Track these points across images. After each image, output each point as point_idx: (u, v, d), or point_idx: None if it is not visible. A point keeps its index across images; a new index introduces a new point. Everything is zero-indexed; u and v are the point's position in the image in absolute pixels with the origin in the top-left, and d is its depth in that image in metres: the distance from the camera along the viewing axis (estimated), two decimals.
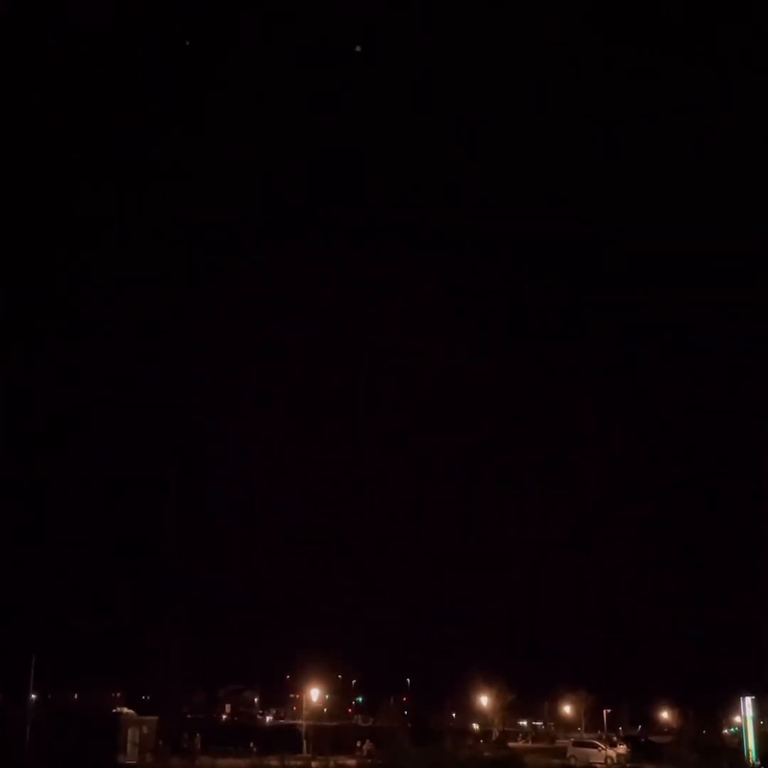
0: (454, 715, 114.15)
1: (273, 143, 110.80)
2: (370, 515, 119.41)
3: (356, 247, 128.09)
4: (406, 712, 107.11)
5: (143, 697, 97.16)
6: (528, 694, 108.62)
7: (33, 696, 65.47)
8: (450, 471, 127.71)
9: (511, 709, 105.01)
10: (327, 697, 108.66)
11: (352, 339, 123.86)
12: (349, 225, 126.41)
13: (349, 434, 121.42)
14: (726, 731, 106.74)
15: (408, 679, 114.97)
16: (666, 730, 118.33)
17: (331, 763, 56.56)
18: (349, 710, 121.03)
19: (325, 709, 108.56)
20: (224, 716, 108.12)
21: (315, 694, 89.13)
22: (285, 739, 73.01)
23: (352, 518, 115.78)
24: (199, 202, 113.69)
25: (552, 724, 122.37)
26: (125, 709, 67.25)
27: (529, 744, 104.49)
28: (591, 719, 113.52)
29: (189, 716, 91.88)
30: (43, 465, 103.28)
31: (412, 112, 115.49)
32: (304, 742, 68.97)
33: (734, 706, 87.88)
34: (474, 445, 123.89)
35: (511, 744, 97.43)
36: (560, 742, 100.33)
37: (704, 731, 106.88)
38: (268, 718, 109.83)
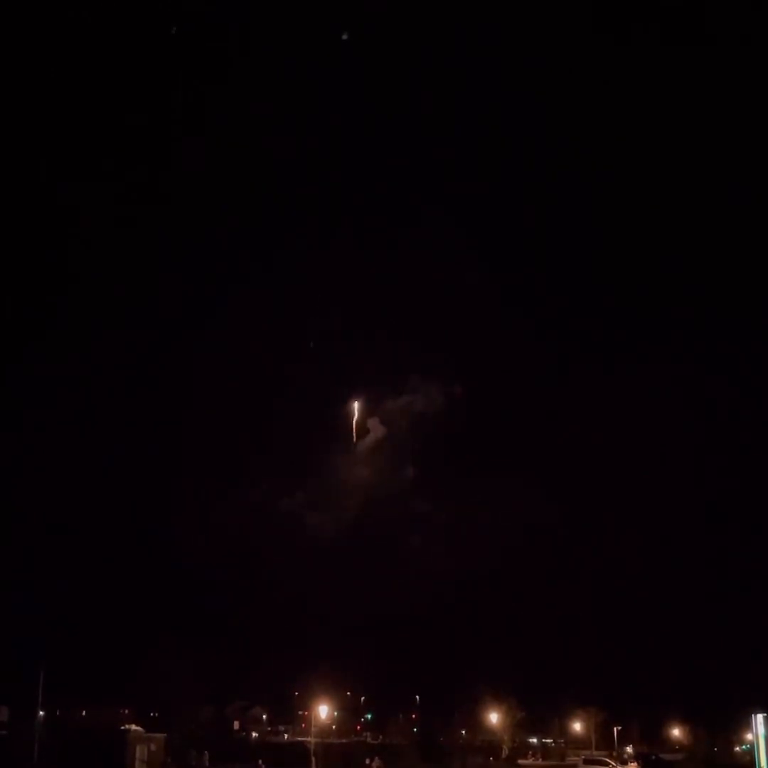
0: (463, 732, 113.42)
1: (273, 144, 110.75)
2: (379, 529, 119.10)
3: (355, 242, 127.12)
4: (415, 729, 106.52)
5: (151, 714, 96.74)
6: (538, 711, 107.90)
7: (41, 712, 65.39)
8: (459, 486, 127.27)
9: (521, 726, 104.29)
10: (335, 713, 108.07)
11: (349, 340, 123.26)
12: (348, 224, 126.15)
13: (353, 440, 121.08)
14: (737, 749, 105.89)
15: (417, 696, 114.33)
16: (677, 747, 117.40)
17: None
18: (358, 727, 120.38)
19: (333, 726, 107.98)
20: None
21: (323, 710, 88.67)
22: (293, 756, 72.81)
23: (361, 533, 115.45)
24: (193, 199, 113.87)
25: (562, 741, 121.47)
26: (133, 726, 66.82)
27: (539, 761, 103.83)
28: (601, 736, 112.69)
29: (204, 731, 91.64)
30: (53, 480, 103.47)
31: (412, 106, 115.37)
32: (313, 759, 68.55)
33: (746, 724, 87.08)
34: (483, 460, 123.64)
35: (521, 761, 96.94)
36: (570, 759, 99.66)
37: (715, 749, 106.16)
38: (286, 736, 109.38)
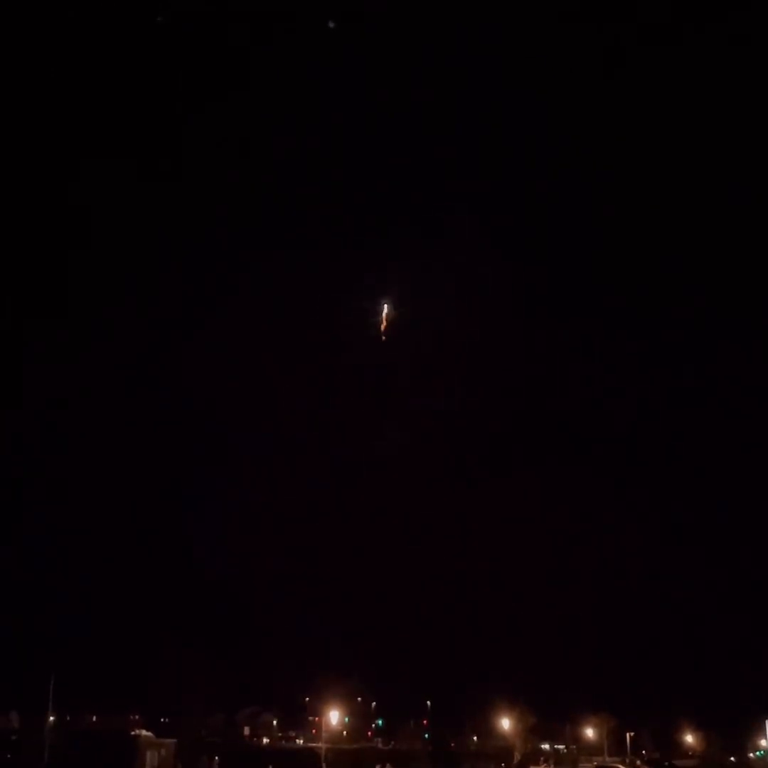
0: (475, 738, 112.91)
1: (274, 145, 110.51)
2: (389, 537, 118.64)
3: (355, 243, 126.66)
4: (426, 735, 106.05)
5: (161, 720, 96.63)
6: (550, 717, 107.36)
7: (51, 718, 65.44)
8: (470, 491, 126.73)
9: (532, 732, 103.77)
10: (346, 719, 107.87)
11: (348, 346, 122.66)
12: (346, 224, 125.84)
13: (361, 451, 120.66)
14: (751, 755, 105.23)
15: (428, 702, 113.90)
16: (690, 753, 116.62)
17: None
18: (369, 733, 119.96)
19: (344, 732, 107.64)
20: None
21: (334, 716, 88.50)
22: (303, 762, 72.64)
23: (372, 540, 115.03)
24: (190, 200, 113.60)
25: (574, 747, 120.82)
26: (143, 732, 66.75)
27: None
28: (614, 743, 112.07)
29: (215, 736, 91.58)
30: (61, 483, 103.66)
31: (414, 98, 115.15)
32: (323, 765, 68.41)
33: (759, 730, 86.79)
34: (494, 466, 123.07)
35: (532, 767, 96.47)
36: (583, 766, 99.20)
37: (732, 758, 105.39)
38: (299, 741, 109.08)
